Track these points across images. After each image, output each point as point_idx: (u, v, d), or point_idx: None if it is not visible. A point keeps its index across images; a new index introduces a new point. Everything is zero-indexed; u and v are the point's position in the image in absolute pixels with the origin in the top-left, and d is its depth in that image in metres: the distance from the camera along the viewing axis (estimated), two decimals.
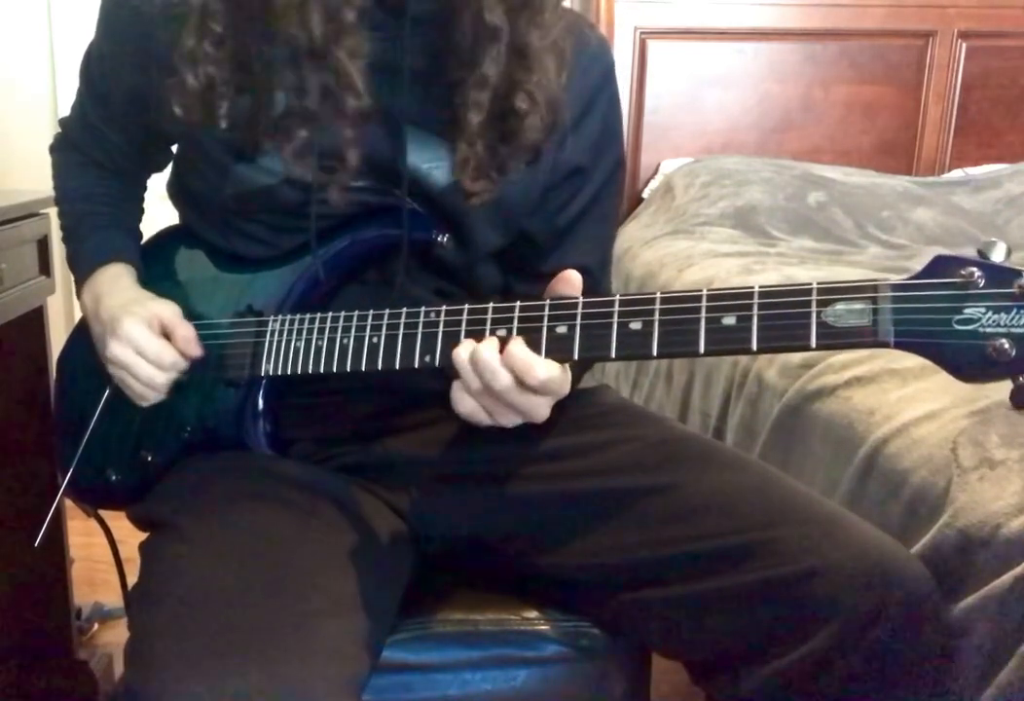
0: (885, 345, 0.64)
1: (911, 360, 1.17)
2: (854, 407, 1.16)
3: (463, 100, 0.85)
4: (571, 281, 0.78)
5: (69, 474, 1.02)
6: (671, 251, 2.03)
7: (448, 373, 0.78)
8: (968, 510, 0.89)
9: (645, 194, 2.50)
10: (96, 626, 1.85)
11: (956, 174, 2.49)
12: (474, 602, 0.96)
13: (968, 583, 0.86)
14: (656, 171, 2.50)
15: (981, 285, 0.61)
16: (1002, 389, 0.63)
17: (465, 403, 0.77)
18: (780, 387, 1.33)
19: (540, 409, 0.78)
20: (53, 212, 1.18)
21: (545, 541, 0.91)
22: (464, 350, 0.76)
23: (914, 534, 0.94)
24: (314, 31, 0.80)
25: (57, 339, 1.47)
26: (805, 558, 0.80)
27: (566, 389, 0.78)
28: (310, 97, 0.83)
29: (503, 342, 0.75)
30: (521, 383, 0.74)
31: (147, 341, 0.91)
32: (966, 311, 0.61)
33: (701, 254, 1.95)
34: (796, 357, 1.34)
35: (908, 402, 1.09)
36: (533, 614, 0.94)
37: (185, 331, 0.92)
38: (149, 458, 0.98)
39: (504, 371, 0.74)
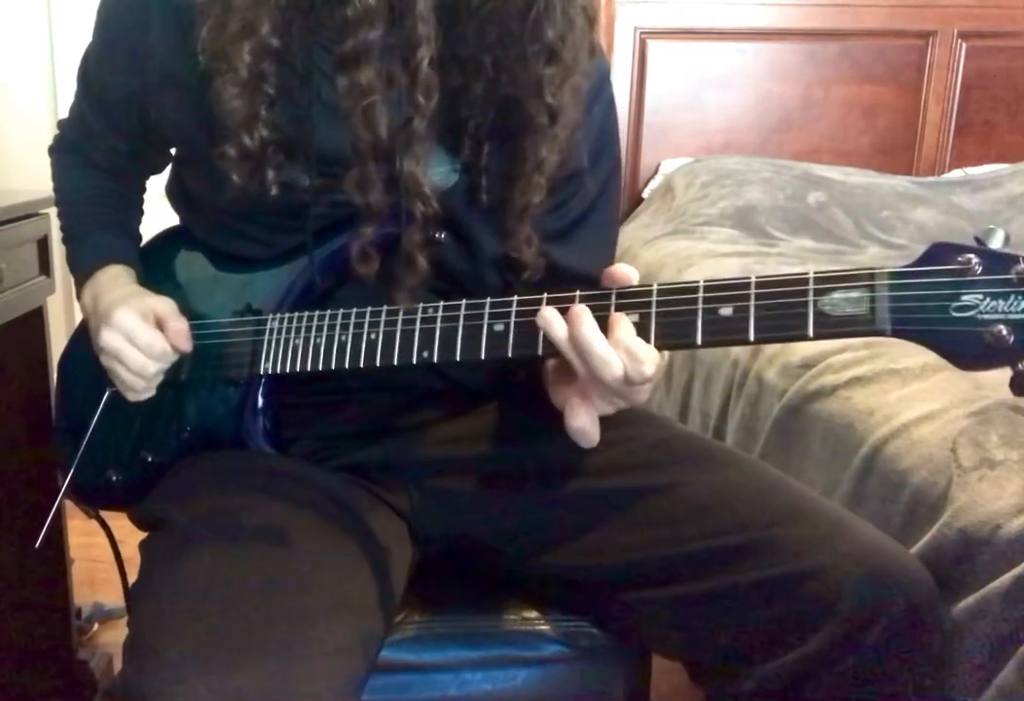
0: (882, 333, 0.63)
1: (911, 360, 1.18)
2: (854, 407, 1.16)
3: (466, 104, 0.85)
4: (617, 277, 0.75)
5: (70, 475, 1.02)
6: (671, 251, 2.03)
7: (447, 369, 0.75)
8: (968, 510, 0.89)
9: (645, 194, 2.49)
10: (96, 626, 1.85)
11: (956, 174, 2.49)
12: (474, 602, 0.96)
13: (968, 583, 0.86)
14: (656, 171, 2.50)
15: (979, 272, 0.60)
16: (1002, 389, 0.63)
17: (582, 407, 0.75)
18: (780, 387, 1.33)
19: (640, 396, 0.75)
20: (53, 212, 1.18)
21: (545, 541, 0.91)
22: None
23: (914, 534, 0.94)
24: (380, 134, 0.79)
25: (57, 339, 1.47)
26: (805, 558, 0.80)
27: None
28: (373, 195, 0.81)
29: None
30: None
31: (139, 329, 0.90)
32: (964, 298, 0.61)
33: (701, 254, 1.95)
34: (796, 357, 1.34)
35: (908, 402, 1.09)
36: (533, 614, 0.95)
37: (177, 324, 0.92)
38: (149, 458, 0.98)
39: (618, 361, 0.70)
